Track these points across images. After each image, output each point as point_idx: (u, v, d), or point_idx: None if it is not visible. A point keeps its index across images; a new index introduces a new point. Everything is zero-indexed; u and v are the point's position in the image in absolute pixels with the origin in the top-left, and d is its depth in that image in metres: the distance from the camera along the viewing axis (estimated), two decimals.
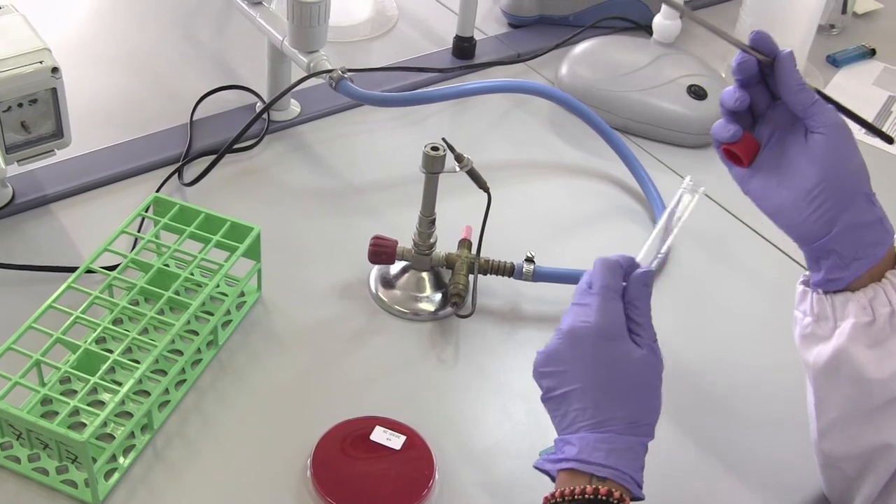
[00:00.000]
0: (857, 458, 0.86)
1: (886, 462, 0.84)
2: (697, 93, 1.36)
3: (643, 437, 0.80)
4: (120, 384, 0.90)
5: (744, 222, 1.24)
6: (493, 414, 1.00)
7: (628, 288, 0.82)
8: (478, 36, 1.50)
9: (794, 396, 0.99)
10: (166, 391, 0.97)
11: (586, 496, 0.75)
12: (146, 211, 1.06)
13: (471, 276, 1.08)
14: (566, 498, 0.76)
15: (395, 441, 0.93)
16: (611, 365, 0.80)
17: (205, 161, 1.23)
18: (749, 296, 1.16)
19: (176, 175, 1.22)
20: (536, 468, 0.82)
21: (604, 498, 0.75)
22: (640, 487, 0.79)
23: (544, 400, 0.83)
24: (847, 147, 0.81)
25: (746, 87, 0.82)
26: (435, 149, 1.00)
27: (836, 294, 0.83)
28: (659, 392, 0.82)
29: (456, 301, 1.06)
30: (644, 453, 0.80)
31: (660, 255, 0.93)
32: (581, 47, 1.46)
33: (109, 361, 0.91)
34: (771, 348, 1.09)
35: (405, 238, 1.09)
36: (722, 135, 0.83)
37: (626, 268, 0.83)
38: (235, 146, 1.25)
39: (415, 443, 0.93)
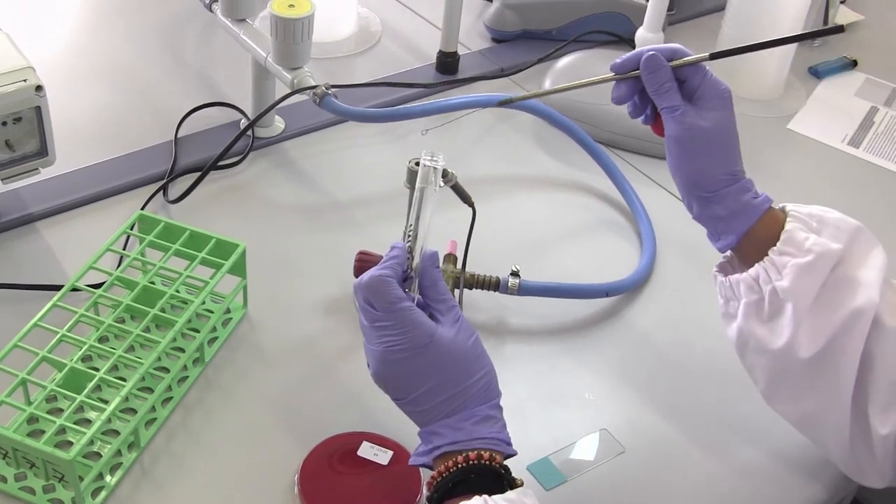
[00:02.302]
0: (814, 417, 0.91)
1: (839, 414, 0.88)
2: None
3: (493, 399, 0.85)
4: (106, 402, 0.89)
5: None
6: None
7: (422, 275, 0.87)
8: (461, 51, 1.51)
9: None
10: (153, 409, 0.96)
11: (459, 466, 0.80)
12: (131, 228, 1.06)
13: (456, 291, 1.08)
14: (444, 476, 0.81)
15: (383, 456, 0.93)
16: (436, 362, 0.82)
17: (190, 178, 1.23)
18: None
19: (161, 192, 1.22)
20: (412, 465, 0.85)
21: (475, 462, 0.80)
22: (510, 444, 0.84)
23: (397, 404, 0.86)
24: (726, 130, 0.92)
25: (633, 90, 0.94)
26: (419, 164, 1.00)
27: (733, 276, 0.92)
28: (482, 350, 0.86)
29: None
30: (500, 411, 0.85)
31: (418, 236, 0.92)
32: (564, 61, 1.47)
33: (96, 379, 0.91)
34: None
35: None
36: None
37: (400, 261, 0.86)
38: (220, 163, 1.25)
39: (402, 458, 0.93)
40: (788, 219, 0.91)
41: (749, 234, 0.92)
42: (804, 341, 0.87)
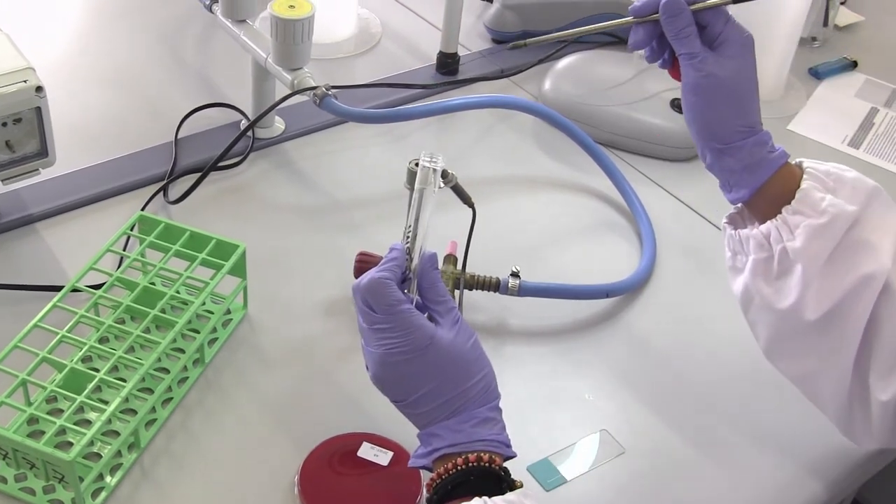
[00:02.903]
0: (813, 376, 0.91)
1: (839, 376, 0.88)
2: (680, 106, 1.36)
3: (493, 400, 0.85)
4: (106, 403, 0.89)
5: None
6: None
7: (421, 276, 0.86)
8: (461, 52, 1.51)
9: (782, 396, 1.00)
10: (153, 409, 0.96)
11: (459, 468, 0.80)
12: (131, 229, 1.06)
13: (456, 292, 1.08)
14: (443, 478, 0.80)
15: (383, 457, 0.93)
16: (435, 364, 0.82)
17: (190, 179, 1.23)
18: (732, 304, 1.16)
19: (161, 193, 1.22)
20: (411, 467, 0.84)
21: (474, 464, 0.80)
22: (509, 446, 0.84)
23: (396, 406, 0.85)
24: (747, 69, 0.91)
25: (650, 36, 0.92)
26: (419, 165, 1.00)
27: (743, 231, 0.91)
28: (481, 352, 0.85)
29: None
30: (499, 413, 0.85)
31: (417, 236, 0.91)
32: (564, 62, 1.47)
33: (96, 380, 0.91)
34: (754, 353, 1.08)
35: None
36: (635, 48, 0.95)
37: (399, 262, 0.85)
38: (220, 164, 1.25)
39: (402, 459, 0.93)
40: (805, 176, 0.89)
41: (762, 189, 0.90)
42: (811, 303, 0.86)
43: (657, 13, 0.89)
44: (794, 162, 0.92)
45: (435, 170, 0.89)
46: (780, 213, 0.88)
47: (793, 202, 0.88)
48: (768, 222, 0.89)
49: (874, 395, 0.86)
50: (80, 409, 0.94)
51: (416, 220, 0.87)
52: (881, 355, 0.86)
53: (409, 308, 0.82)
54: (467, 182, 1.07)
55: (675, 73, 0.93)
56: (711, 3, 0.89)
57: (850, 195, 0.88)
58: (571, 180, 1.34)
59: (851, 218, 0.87)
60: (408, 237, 0.87)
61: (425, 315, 0.84)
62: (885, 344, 0.86)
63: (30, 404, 0.91)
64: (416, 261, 0.87)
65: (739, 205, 0.94)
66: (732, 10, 0.90)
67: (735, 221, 0.95)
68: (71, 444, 0.91)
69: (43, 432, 0.89)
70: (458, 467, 0.80)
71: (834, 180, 0.89)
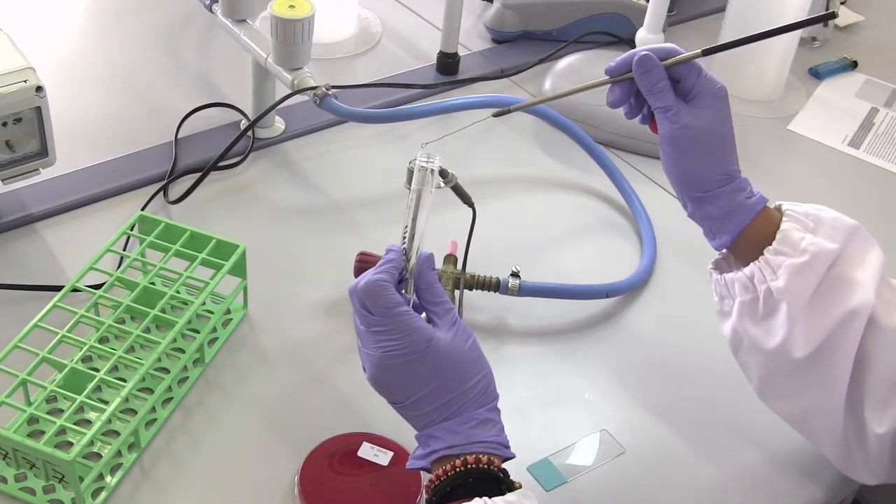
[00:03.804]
0: (807, 414, 0.91)
1: (833, 412, 0.89)
2: None
3: (491, 402, 0.84)
4: (106, 403, 0.89)
5: None
6: None
7: (418, 278, 0.86)
8: (461, 52, 1.51)
9: None
10: (153, 409, 0.96)
11: (458, 470, 0.80)
12: (131, 229, 1.06)
13: (456, 292, 1.08)
14: (442, 479, 0.80)
15: (383, 457, 0.93)
16: (434, 367, 0.82)
17: (190, 179, 1.23)
18: None
19: (161, 193, 1.22)
20: (409, 469, 0.84)
21: (473, 466, 0.80)
22: (508, 447, 0.83)
23: (394, 407, 0.85)
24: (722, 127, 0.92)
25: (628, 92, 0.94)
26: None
27: (728, 275, 0.92)
28: (479, 353, 0.85)
29: None
30: (498, 414, 0.85)
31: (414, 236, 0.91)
32: (564, 62, 1.47)
33: (96, 380, 0.91)
34: None
35: None
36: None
37: (396, 264, 0.85)
38: (220, 164, 1.25)
39: (402, 459, 0.93)
40: (784, 218, 0.90)
41: (744, 234, 0.92)
42: (798, 341, 0.87)
43: (631, 71, 0.92)
44: (772, 205, 0.93)
45: (432, 170, 0.89)
46: (763, 254, 0.89)
47: (773, 243, 0.89)
48: (751, 264, 0.90)
49: (870, 429, 0.87)
50: (80, 409, 0.94)
51: (414, 220, 0.87)
52: (873, 388, 0.87)
53: (407, 310, 0.82)
54: (467, 182, 1.07)
55: (654, 127, 0.94)
56: (682, 58, 0.90)
57: (829, 233, 0.89)
58: (571, 180, 1.34)
59: (832, 255, 0.87)
60: (405, 237, 0.87)
61: (422, 315, 0.84)
62: (876, 377, 0.87)
63: (30, 404, 0.91)
64: (413, 261, 0.87)
65: (724, 250, 0.95)
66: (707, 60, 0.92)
67: (721, 267, 0.96)
68: (71, 443, 0.91)
69: (43, 432, 0.89)
70: (457, 469, 0.80)
71: (813, 220, 0.90)
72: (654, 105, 0.92)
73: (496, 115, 0.98)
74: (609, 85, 0.94)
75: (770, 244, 0.89)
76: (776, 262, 0.88)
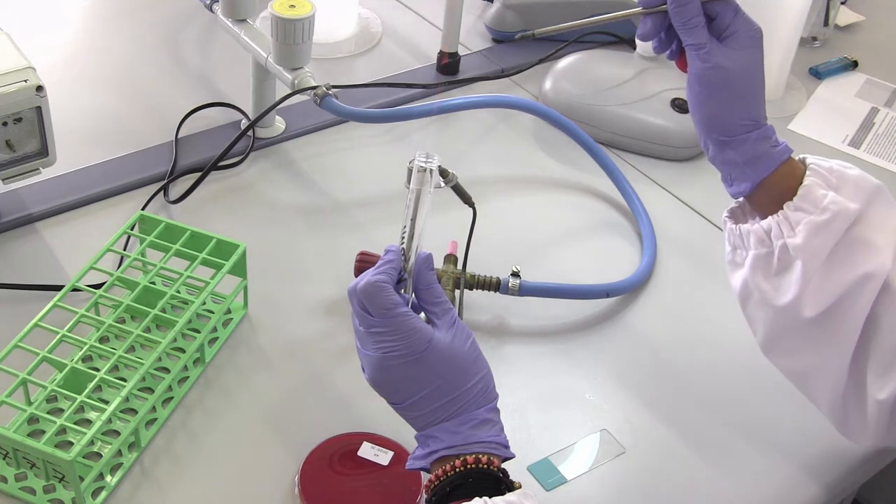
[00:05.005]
0: (809, 373, 0.91)
1: (836, 374, 0.88)
2: (681, 106, 1.36)
3: (491, 402, 0.84)
4: (107, 402, 0.89)
5: None
6: None
7: (417, 278, 0.85)
8: (462, 51, 1.51)
9: (781, 397, 1.00)
10: (153, 409, 0.96)
11: (457, 470, 0.80)
12: (132, 229, 1.06)
13: (457, 291, 1.08)
14: (441, 479, 0.80)
15: (383, 457, 0.93)
16: (433, 367, 0.81)
17: (190, 178, 1.23)
18: (732, 303, 1.16)
19: (161, 193, 1.22)
20: (409, 469, 0.84)
21: (473, 466, 0.79)
22: (507, 447, 0.83)
23: (394, 408, 0.85)
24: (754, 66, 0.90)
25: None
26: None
27: (744, 226, 0.90)
28: (479, 353, 0.85)
29: None
30: (497, 414, 0.84)
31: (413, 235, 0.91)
32: (565, 62, 1.47)
33: (96, 380, 0.91)
34: (754, 353, 1.09)
35: None
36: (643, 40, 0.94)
37: (395, 265, 0.85)
38: (221, 163, 1.25)
39: (402, 458, 0.93)
40: (808, 172, 0.89)
41: (764, 184, 0.90)
42: (810, 301, 0.86)
43: (665, 4, 0.89)
44: (797, 158, 0.92)
45: (431, 170, 0.89)
46: (782, 208, 0.88)
47: (795, 198, 0.88)
48: (769, 218, 0.89)
49: (871, 394, 0.86)
50: (81, 409, 0.94)
51: (413, 219, 0.87)
52: (879, 354, 0.86)
53: (406, 311, 0.82)
54: (467, 182, 1.07)
55: (682, 65, 0.92)
56: None
57: (852, 193, 0.87)
58: (571, 180, 1.34)
59: (853, 216, 0.86)
60: (403, 237, 0.87)
61: (421, 315, 0.84)
62: (883, 343, 0.86)
63: (30, 404, 0.91)
64: (412, 261, 0.87)
65: (741, 199, 0.94)
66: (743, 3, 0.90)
67: (736, 215, 0.95)
68: (71, 443, 0.91)
69: (43, 432, 0.89)
70: (457, 469, 0.80)
71: (837, 177, 0.88)
72: (685, 41, 0.89)
73: (519, 38, 0.94)
74: (641, 17, 0.91)
75: (790, 197, 0.88)
76: (795, 219, 0.87)
